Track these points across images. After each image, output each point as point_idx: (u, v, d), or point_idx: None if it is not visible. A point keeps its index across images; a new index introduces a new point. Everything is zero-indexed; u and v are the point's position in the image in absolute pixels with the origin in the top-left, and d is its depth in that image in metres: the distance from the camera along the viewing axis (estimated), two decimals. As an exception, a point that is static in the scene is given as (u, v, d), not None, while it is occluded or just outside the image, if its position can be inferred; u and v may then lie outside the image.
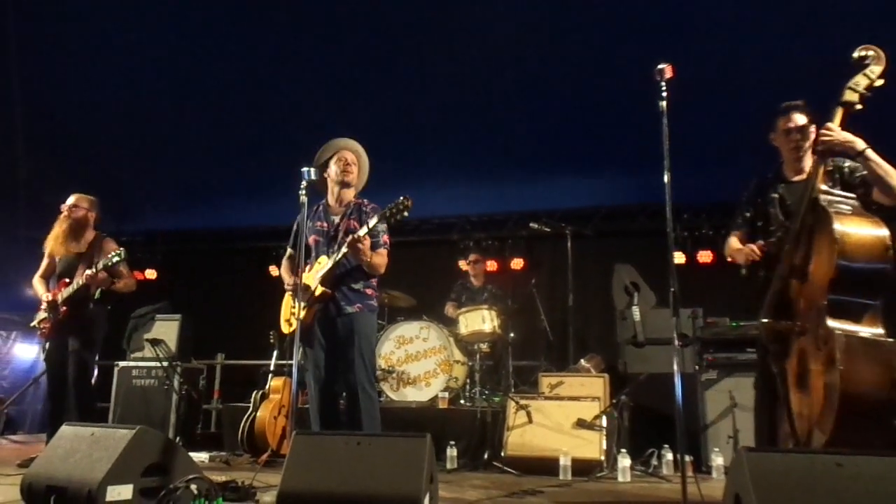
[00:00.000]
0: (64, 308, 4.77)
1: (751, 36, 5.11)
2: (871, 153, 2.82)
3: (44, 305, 4.82)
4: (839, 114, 2.82)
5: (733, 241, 3.26)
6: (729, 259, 3.27)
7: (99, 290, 4.82)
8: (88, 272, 4.64)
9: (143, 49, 5.94)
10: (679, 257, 6.88)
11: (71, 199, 4.98)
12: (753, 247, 3.05)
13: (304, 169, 3.56)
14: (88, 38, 5.81)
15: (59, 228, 4.91)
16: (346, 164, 3.89)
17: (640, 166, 4.29)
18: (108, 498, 2.67)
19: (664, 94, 2.78)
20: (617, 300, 6.29)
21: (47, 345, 4.87)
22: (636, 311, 5.78)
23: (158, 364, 6.29)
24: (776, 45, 5.03)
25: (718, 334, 5.30)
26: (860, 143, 2.82)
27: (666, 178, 2.77)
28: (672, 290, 2.68)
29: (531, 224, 6.71)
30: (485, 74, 5.88)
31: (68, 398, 4.71)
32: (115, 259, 4.60)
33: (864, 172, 2.89)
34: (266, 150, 6.71)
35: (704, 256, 6.94)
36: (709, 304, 5.63)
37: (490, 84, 6.00)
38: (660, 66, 2.80)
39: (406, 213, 3.57)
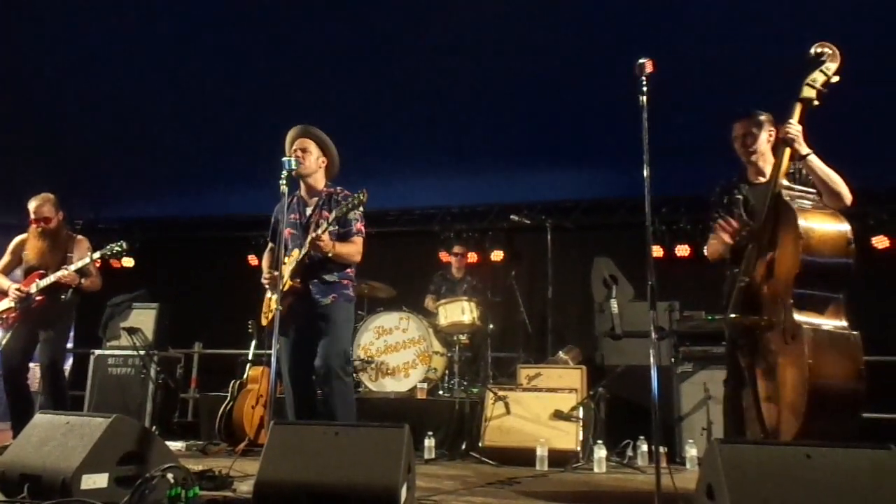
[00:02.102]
0: (39, 298, 4.73)
1: (731, 31, 5.16)
2: (812, 159, 2.93)
3: (12, 296, 4.73)
4: (798, 110, 2.90)
5: (711, 241, 3.33)
6: (713, 257, 3.32)
7: (71, 290, 4.83)
8: (61, 273, 4.64)
9: (119, 35, 5.84)
10: (657, 251, 6.94)
11: (35, 205, 4.86)
12: (732, 222, 3.10)
13: (285, 158, 3.53)
14: (64, 23, 5.71)
15: (39, 243, 4.85)
16: (297, 155, 3.78)
17: (621, 160, 4.32)
18: (84, 486, 2.65)
19: (644, 88, 2.79)
20: (596, 293, 6.33)
21: (7, 336, 4.79)
22: (614, 304, 5.83)
23: (135, 353, 6.24)
24: (756, 41, 5.08)
25: (694, 327, 5.37)
26: (804, 148, 2.91)
27: (645, 173, 2.79)
28: (650, 283, 2.71)
29: (512, 216, 6.74)
30: (468, 66, 5.87)
31: (26, 389, 4.78)
32: (87, 261, 4.68)
33: None
34: (246, 138, 6.65)
35: (682, 250, 7.00)
36: (685, 298, 5.70)
37: (472, 76, 5.99)
38: (641, 61, 2.82)
39: (361, 208, 3.65)
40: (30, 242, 4.90)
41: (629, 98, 2.87)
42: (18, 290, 4.72)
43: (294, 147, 3.83)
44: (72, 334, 9.18)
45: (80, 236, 5.09)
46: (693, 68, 5.12)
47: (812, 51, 2.91)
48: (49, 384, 4.73)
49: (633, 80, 2.84)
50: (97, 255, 4.67)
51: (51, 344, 4.79)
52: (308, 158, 3.83)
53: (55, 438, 2.86)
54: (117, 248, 4.66)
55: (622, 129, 3.39)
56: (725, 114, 3.31)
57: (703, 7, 5.00)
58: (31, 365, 5.13)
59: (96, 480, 2.70)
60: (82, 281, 4.85)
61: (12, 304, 4.75)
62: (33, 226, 4.87)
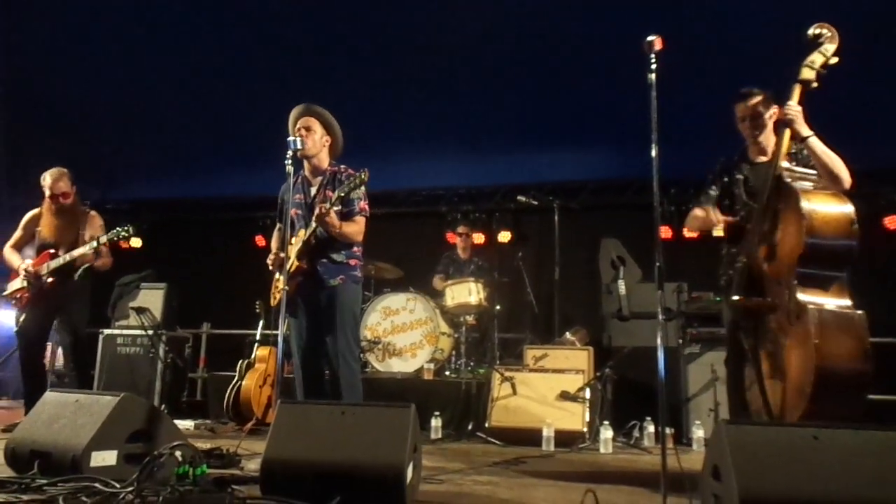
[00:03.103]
0: (51, 280, 4.70)
1: (741, 9, 5.08)
2: (813, 140, 2.89)
3: (22, 275, 4.71)
4: (797, 91, 2.88)
5: (696, 212, 3.35)
6: (685, 229, 3.33)
7: (84, 269, 4.77)
8: (78, 252, 4.60)
9: (126, 18, 5.82)
10: (665, 232, 6.90)
11: (51, 180, 4.76)
12: (720, 218, 3.11)
13: (290, 139, 3.50)
14: (72, 9, 5.69)
15: (53, 219, 4.79)
16: (301, 134, 3.74)
17: (629, 140, 4.28)
18: (93, 463, 2.67)
19: (653, 66, 2.75)
20: (603, 274, 6.31)
21: (23, 315, 4.79)
22: (622, 285, 5.81)
23: (144, 332, 6.27)
24: (766, 19, 5.00)
25: (702, 309, 5.35)
26: (805, 130, 2.88)
27: (654, 153, 2.76)
28: (658, 264, 2.68)
29: (519, 197, 6.71)
30: (475, 45, 5.81)
31: (42, 368, 4.82)
32: (104, 240, 4.58)
33: None
34: (252, 118, 6.62)
35: (691, 232, 6.94)
36: (693, 279, 5.67)
37: (480, 55, 5.94)
38: (649, 39, 2.77)
39: (363, 187, 3.64)
40: (44, 218, 4.82)
41: (637, 77, 2.83)
42: (27, 269, 4.68)
43: (298, 126, 3.79)
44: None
45: (92, 212, 5.00)
46: (703, 46, 5.05)
47: (810, 32, 2.89)
48: (74, 363, 4.80)
49: (641, 58, 2.80)
50: (104, 238, 4.63)
51: (69, 324, 4.80)
52: (312, 137, 3.78)
53: (65, 416, 2.89)
54: (124, 233, 4.62)
55: (630, 109, 3.36)
56: (734, 93, 3.27)
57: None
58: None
59: (105, 458, 2.73)
60: (97, 263, 4.81)
61: (24, 284, 4.73)
62: (49, 202, 4.78)
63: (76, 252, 4.64)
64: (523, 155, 7.17)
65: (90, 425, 2.76)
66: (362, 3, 5.59)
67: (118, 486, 2.41)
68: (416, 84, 6.36)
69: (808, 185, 2.80)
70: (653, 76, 2.73)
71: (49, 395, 3.11)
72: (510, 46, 5.83)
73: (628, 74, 3.19)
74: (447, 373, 5.98)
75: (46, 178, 4.76)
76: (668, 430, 2.68)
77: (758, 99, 3.16)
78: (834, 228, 2.66)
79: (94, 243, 4.62)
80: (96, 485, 2.45)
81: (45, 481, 2.55)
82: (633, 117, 3.24)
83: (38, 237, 4.85)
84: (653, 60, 2.74)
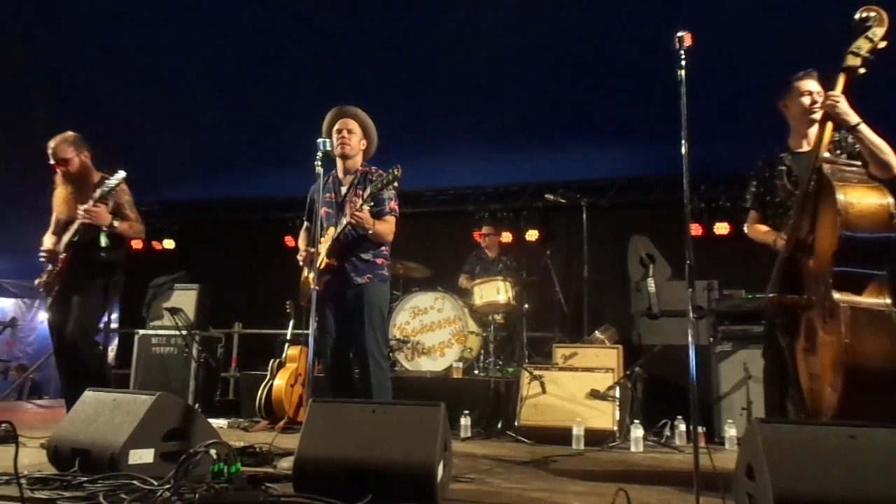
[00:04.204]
0: (64, 255, 4.17)
1: (772, 4, 5.00)
2: (863, 128, 2.80)
3: (41, 258, 4.23)
4: (841, 80, 2.77)
5: (758, 226, 3.26)
6: (753, 238, 3.26)
7: (104, 236, 4.10)
8: (83, 207, 4.02)
9: (161, 20, 5.91)
10: (695, 229, 6.82)
11: (51, 147, 4.23)
12: (783, 236, 2.99)
13: (320, 140, 3.56)
14: (109, 10, 5.80)
15: (63, 191, 4.27)
16: (342, 135, 3.83)
17: (658, 137, 4.24)
18: (131, 461, 2.74)
19: (683, 62, 2.73)
20: (632, 272, 6.27)
21: (50, 305, 4.30)
22: (651, 283, 5.77)
23: (177, 332, 6.39)
24: (797, 13, 4.91)
25: (734, 306, 5.29)
26: (854, 117, 2.78)
27: (684, 149, 2.73)
28: (688, 262, 2.66)
29: (546, 195, 6.69)
30: (501, 43, 5.80)
31: (75, 363, 4.13)
32: (113, 184, 4.02)
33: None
34: (283, 120, 6.70)
35: (721, 228, 6.86)
36: (724, 277, 5.60)
37: (507, 54, 5.93)
38: (679, 34, 2.74)
39: (396, 184, 3.62)
40: (57, 193, 4.31)
41: (666, 72, 2.80)
42: (45, 250, 4.22)
43: (338, 127, 3.85)
44: (116, 314, 9.46)
45: (114, 177, 4.12)
46: (733, 42, 4.98)
47: (857, 16, 2.75)
48: (69, 359, 4.12)
49: (669, 53, 2.78)
50: (98, 192, 4.05)
51: (76, 309, 4.11)
52: (352, 139, 3.86)
53: (103, 415, 2.95)
54: (113, 182, 4.03)
55: (659, 105, 3.33)
56: (765, 88, 3.22)
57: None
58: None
59: (143, 455, 2.79)
60: (116, 223, 4.13)
61: (49, 268, 4.24)
62: (56, 172, 4.28)
63: (80, 213, 4.03)
64: (551, 153, 7.15)
65: (128, 424, 2.82)
66: (392, 5, 5.61)
67: (156, 483, 2.47)
68: (442, 83, 6.37)
69: (848, 175, 2.71)
70: (682, 72, 2.71)
71: (88, 394, 3.18)
72: (537, 44, 5.80)
73: (656, 70, 3.16)
74: (476, 371, 5.99)
75: (49, 146, 4.24)
76: (700, 429, 2.64)
77: (820, 82, 3.05)
78: (871, 221, 2.59)
79: (106, 188, 4.03)
80: (134, 482, 2.51)
81: (85, 478, 2.62)
82: (662, 113, 3.21)
83: (55, 216, 4.32)
84: (682, 56, 2.72)
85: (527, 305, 6.22)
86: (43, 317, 13.40)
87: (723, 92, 4.99)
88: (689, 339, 2.60)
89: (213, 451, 2.50)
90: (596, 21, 5.47)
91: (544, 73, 6.14)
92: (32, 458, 3.25)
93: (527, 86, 6.33)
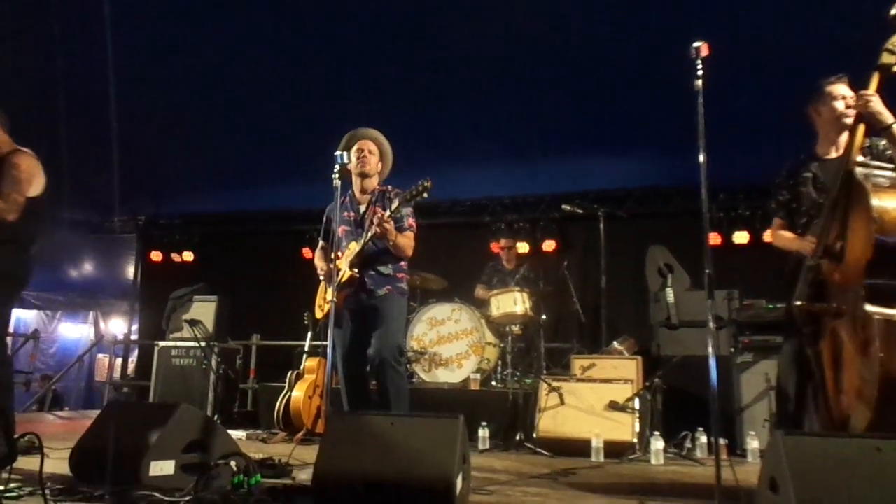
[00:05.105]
0: None
1: (789, 12, 4.97)
2: None
3: None
4: (875, 79, 2.69)
5: (783, 232, 3.18)
6: (776, 244, 3.20)
7: None
8: None
9: (179, 33, 6.00)
10: (714, 238, 6.78)
11: None
12: (811, 239, 2.91)
13: (338, 153, 3.58)
14: (127, 29, 5.89)
15: None
16: (363, 154, 3.90)
17: (675, 147, 4.22)
18: (152, 473, 2.75)
19: (700, 72, 2.72)
20: (650, 282, 6.24)
21: None
22: (670, 293, 5.74)
23: (196, 344, 6.44)
24: (815, 22, 4.88)
25: (754, 317, 5.24)
26: (889, 116, 2.70)
27: (701, 159, 2.72)
28: (707, 271, 2.64)
29: (564, 206, 6.68)
30: (518, 55, 5.81)
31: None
32: None
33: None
34: (300, 133, 6.75)
35: (740, 237, 6.81)
36: (744, 286, 5.56)
37: (523, 64, 5.94)
38: (695, 45, 2.73)
39: (426, 195, 3.65)
40: None
41: (682, 82, 2.80)
42: None
43: (358, 146, 3.91)
44: (135, 327, 9.51)
45: (17, 154, 3.43)
46: (751, 51, 4.96)
47: (893, 11, 2.65)
48: None
49: (686, 62, 2.77)
50: None
51: None
52: (372, 160, 3.94)
53: (125, 426, 2.98)
54: None
55: (676, 115, 3.32)
56: (783, 97, 3.19)
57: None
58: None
59: (163, 467, 2.81)
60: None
61: None
62: None
63: None
64: (567, 163, 7.14)
65: (149, 435, 2.84)
66: (407, 15, 5.65)
67: (177, 495, 2.48)
68: (459, 94, 6.39)
69: (881, 180, 2.63)
70: (699, 83, 2.70)
71: (110, 405, 3.21)
72: (554, 55, 5.81)
73: (674, 79, 3.15)
74: (493, 383, 5.97)
75: None
76: (721, 441, 2.61)
77: (852, 87, 2.96)
78: None
79: None
80: (155, 494, 2.52)
81: (107, 489, 2.64)
82: (679, 123, 3.20)
83: None
84: (699, 67, 2.71)
85: (544, 316, 6.19)
86: (64, 328, 13.60)
87: (741, 101, 4.96)
88: (710, 349, 2.58)
89: (233, 464, 2.51)
90: (612, 30, 5.47)
91: (561, 82, 6.15)
92: (55, 467, 3.28)
93: (543, 96, 6.33)
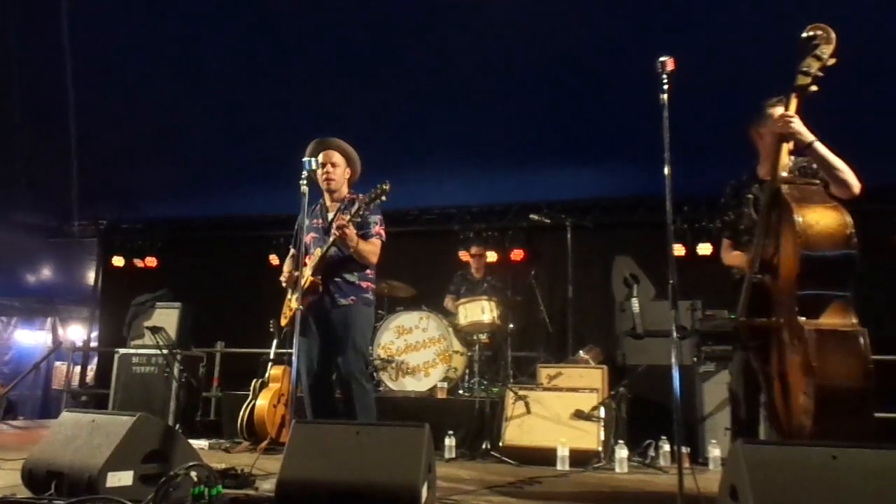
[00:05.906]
0: None
1: (753, 28, 5.09)
2: (818, 145, 2.79)
3: None
4: (794, 100, 2.75)
5: (732, 252, 3.26)
6: (730, 265, 3.27)
7: None
8: None
9: (141, 36, 5.90)
10: (679, 250, 6.88)
11: None
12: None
13: (305, 159, 3.56)
14: (87, 27, 5.78)
15: None
16: (326, 170, 3.87)
17: (641, 158, 4.28)
18: (109, 484, 2.68)
19: (665, 86, 2.76)
20: (616, 292, 6.31)
21: None
22: (635, 303, 5.79)
23: (158, 352, 6.31)
24: (778, 37, 5.00)
25: (717, 326, 5.31)
26: (809, 135, 2.78)
27: (666, 171, 2.76)
28: (671, 282, 2.68)
29: (531, 215, 6.72)
30: (485, 64, 5.85)
31: None
32: None
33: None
34: (267, 138, 6.69)
35: (704, 249, 6.92)
36: (708, 297, 5.64)
37: (490, 74, 5.98)
38: (661, 59, 2.78)
39: (384, 198, 3.65)
40: None
41: (649, 94, 2.84)
42: None
43: (322, 160, 3.86)
44: (95, 333, 9.31)
45: None
46: (715, 66, 5.06)
47: (804, 34, 2.74)
48: None
49: (652, 74, 2.81)
50: None
51: None
52: (336, 172, 3.92)
53: (81, 436, 2.90)
54: None
55: (642, 127, 3.36)
56: (747, 111, 3.25)
57: (725, 5, 4.94)
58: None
59: (121, 478, 2.74)
60: None
61: None
62: None
63: None
64: (535, 173, 7.19)
65: (106, 445, 2.77)
66: (374, 22, 5.65)
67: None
68: (427, 103, 6.40)
69: (806, 196, 2.69)
70: (665, 96, 2.74)
71: (66, 415, 3.13)
72: (522, 65, 5.86)
73: (641, 92, 3.19)
74: (461, 391, 5.96)
75: None
76: (684, 450, 2.64)
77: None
78: (830, 240, 2.56)
79: None
80: (112, 505, 2.46)
81: (61, 502, 2.56)
82: (645, 134, 3.24)
83: None
84: (665, 80, 2.75)
85: (511, 325, 6.22)
86: (20, 335, 13.23)
87: (706, 115, 5.05)
88: (673, 359, 2.61)
89: (193, 474, 2.46)
90: (581, 43, 5.54)
91: (529, 93, 6.19)
92: (6, 480, 3.18)
93: (511, 105, 6.38)
